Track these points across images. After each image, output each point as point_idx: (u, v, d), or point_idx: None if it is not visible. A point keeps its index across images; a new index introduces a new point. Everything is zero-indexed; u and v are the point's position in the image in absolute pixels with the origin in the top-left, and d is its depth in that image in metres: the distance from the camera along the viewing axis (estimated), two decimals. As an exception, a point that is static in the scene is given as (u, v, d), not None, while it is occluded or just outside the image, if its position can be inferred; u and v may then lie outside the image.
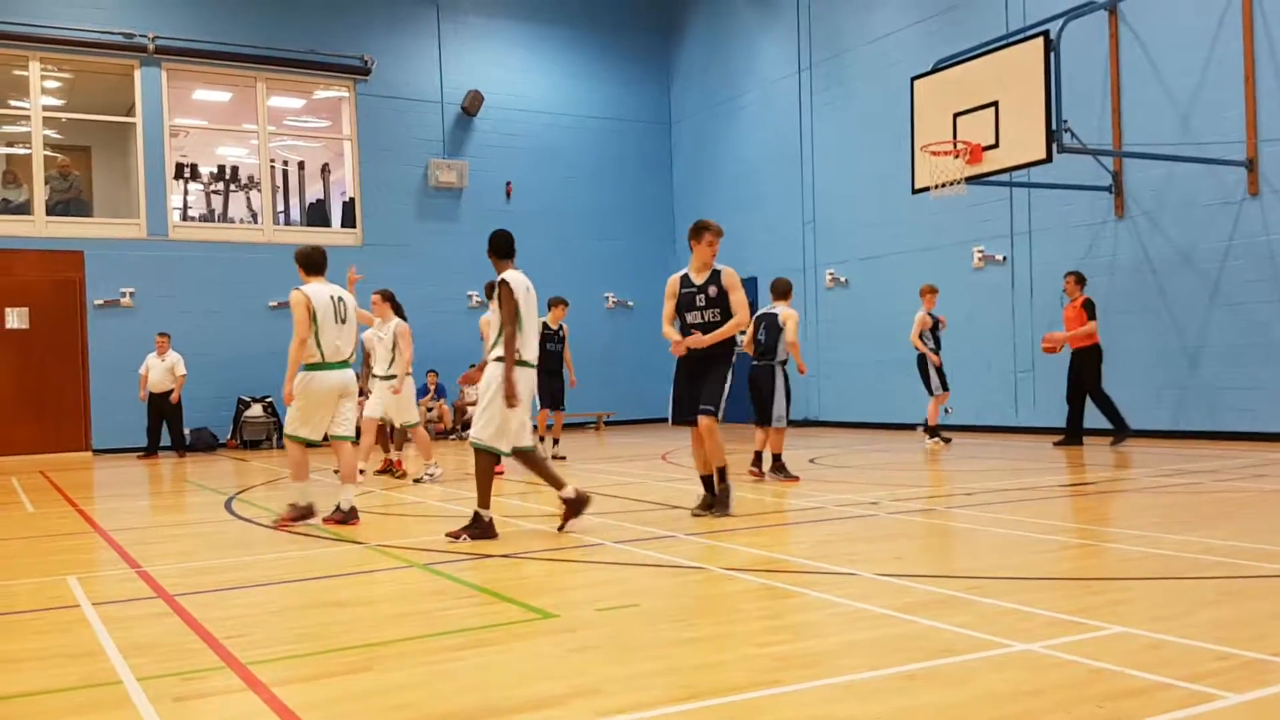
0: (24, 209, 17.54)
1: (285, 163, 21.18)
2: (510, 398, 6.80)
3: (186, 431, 17.20)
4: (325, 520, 7.70)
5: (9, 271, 16.81)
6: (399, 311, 11.16)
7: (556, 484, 7.05)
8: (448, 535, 6.83)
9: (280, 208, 20.38)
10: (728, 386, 7.53)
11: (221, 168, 20.71)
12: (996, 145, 12.49)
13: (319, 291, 7.78)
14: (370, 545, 6.79)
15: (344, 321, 7.82)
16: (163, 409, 16.11)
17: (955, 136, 12.94)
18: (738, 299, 7.51)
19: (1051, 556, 5.75)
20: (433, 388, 18.92)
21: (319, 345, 7.64)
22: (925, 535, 6.80)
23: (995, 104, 12.48)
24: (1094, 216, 14.05)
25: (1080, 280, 12.77)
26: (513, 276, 7.05)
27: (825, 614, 4.62)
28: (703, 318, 7.58)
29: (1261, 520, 6.98)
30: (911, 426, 16.46)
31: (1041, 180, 13.78)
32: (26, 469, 14.48)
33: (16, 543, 7.54)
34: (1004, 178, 13.30)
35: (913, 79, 13.87)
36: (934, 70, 13.75)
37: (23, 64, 17.38)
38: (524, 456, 7.09)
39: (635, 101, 22.11)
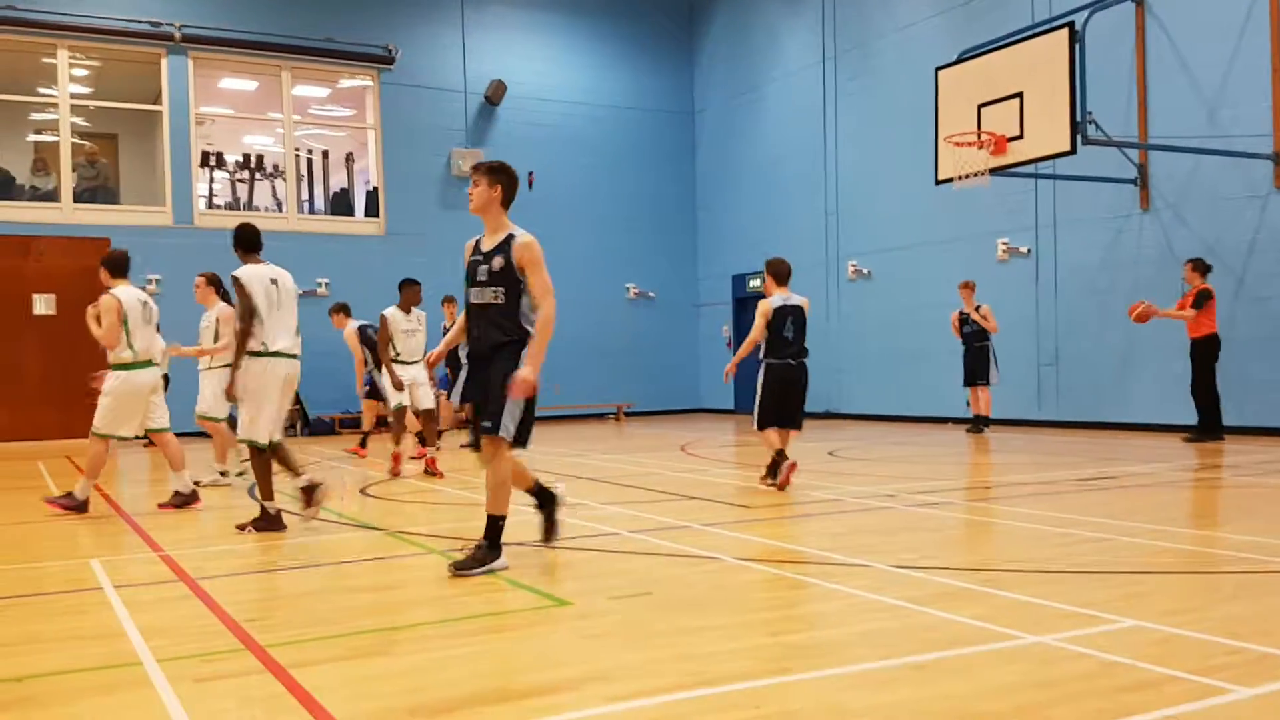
0: (52, 196, 17.72)
1: (310, 151, 21.30)
2: (229, 392, 6.96)
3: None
4: (160, 505, 8.20)
5: (37, 258, 17.00)
6: (226, 297, 10.03)
7: (295, 472, 7.05)
8: (237, 528, 7.02)
9: (305, 196, 20.51)
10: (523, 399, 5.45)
11: (247, 156, 20.86)
12: (1021, 137, 12.42)
13: (129, 294, 8.08)
14: (390, 531, 6.85)
15: (149, 323, 8.19)
16: None
17: (979, 127, 12.87)
18: (539, 284, 5.47)
19: (1068, 550, 5.74)
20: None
21: (131, 346, 7.98)
22: (941, 528, 6.79)
23: (1020, 95, 12.41)
24: (1119, 209, 13.95)
25: (1199, 267, 12.08)
26: (247, 271, 7.02)
27: (838, 604, 4.64)
28: (481, 298, 5.54)
29: (1282, 516, 6.93)
30: (933, 419, 16.44)
31: (1066, 172, 13.68)
32: (52, 454, 14.66)
33: (41, 526, 7.66)
34: (1028, 169, 13.22)
35: (937, 69, 13.80)
36: (958, 61, 13.68)
37: (51, 52, 17.54)
38: (271, 450, 7.05)
39: (658, 91, 22.09)
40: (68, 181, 17.63)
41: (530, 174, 20.62)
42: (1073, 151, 12.00)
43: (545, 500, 5.91)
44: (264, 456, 6.96)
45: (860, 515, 7.26)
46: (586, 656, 3.84)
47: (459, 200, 20.07)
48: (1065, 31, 11.96)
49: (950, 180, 13.32)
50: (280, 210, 19.72)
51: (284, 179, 19.67)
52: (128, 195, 19.00)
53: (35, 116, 19.02)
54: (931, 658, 3.67)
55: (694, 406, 21.93)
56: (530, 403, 5.50)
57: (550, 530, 5.92)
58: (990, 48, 13.32)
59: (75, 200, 17.65)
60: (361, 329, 12.62)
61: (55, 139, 17.85)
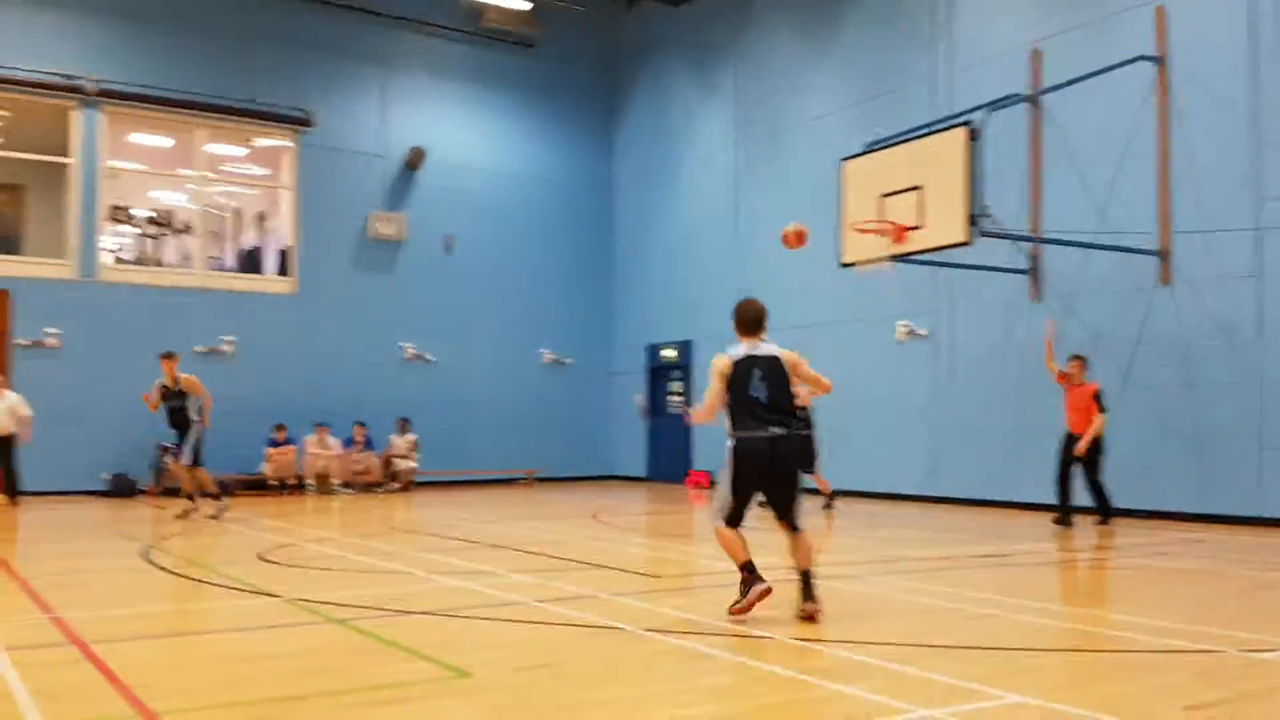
0: (-50, 244, 17.20)
1: (221, 209, 21.08)
2: None
3: (106, 477, 16.89)
4: None
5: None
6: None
7: None
8: None
9: (214, 253, 20.24)
10: None
11: (157, 211, 20.56)
12: (920, 227, 12.91)
13: None
14: (288, 599, 6.75)
15: None
16: (5, 450, 14.88)
17: (881, 216, 13.35)
18: None
19: (960, 625, 5.93)
20: (360, 440, 18.70)
21: None
22: (840, 601, 6.94)
23: (920, 188, 12.90)
24: (1011, 298, 14.55)
25: (1085, 363, 12.07)
26: None
27: (738, 677, 4.74)
28: None
29: (1161, 597, 7.26)
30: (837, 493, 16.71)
31: (963, 261, 14.23)
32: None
33: (-78, 586, 7.36)
34: (928, 256, 13.72)
35: (842, 160, 14.29)
36: (863, 153, 14.22)
37: (-43, 99, 17.17)
38: None
39: (578, 164, 22.46)
40: (-32, 230, 17.15)
41: (450, 238, 20.71)
42: (969, 243, 12.51)
43: None
44: None
45: (762, 589, 7.37)
46: (488, 727, 3.86)
47: (374, 262, 20.03)
48: (963, 130, 12.53)
49: (853, 264, 13.75)
50: (188, 266, 19.40)
51: (194, 234, 19.39)
52: (31, 247, 18.55)
53: (-63, 162, 18.54)
54: (824, 730, 3.79)
55: (607, 473, 21.98)
56: None
57: None
58: (892, 141, 13.90)
59: (-24, 249, 17.16)
60: None
61: (-43, 186, 17.38)
